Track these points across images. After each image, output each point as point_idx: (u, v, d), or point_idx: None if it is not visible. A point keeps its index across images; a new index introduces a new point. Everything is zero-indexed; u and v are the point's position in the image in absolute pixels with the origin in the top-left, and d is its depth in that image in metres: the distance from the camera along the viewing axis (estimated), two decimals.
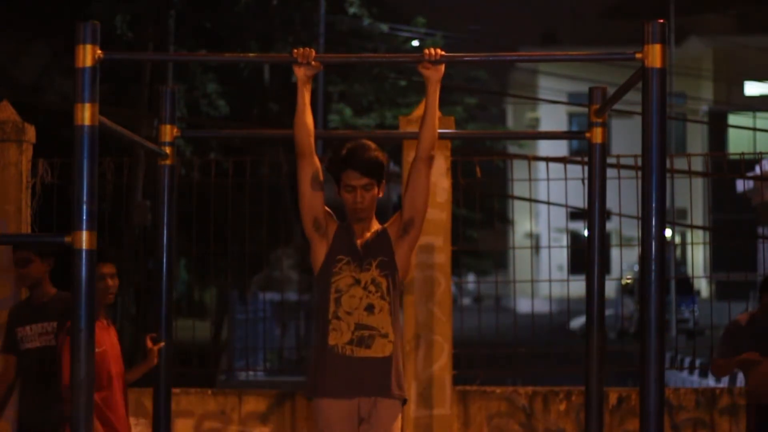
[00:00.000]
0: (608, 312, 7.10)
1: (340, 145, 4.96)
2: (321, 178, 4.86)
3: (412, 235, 4.88)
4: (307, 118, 4.81)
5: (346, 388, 4.79)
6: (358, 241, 4.87)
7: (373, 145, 4.87)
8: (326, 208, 4.91)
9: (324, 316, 4.82)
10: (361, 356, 4.79)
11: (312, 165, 4.84)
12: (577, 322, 28.25)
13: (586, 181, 5.55)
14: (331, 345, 4.79)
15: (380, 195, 4.90)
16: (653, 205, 4.26)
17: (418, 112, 7.34)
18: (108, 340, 5.86)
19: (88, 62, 4.22)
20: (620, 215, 8.57)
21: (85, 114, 4.18)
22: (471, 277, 36.76)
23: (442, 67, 4.75)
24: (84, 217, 4.15)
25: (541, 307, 12.88)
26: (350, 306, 4.80)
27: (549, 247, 8.72)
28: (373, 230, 4.91)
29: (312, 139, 4.83)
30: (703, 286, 32.92)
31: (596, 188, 5.26)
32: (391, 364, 4.81)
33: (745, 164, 8.68)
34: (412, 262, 5.03)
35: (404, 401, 4.89)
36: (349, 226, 4.90)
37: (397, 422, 4.84)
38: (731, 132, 36.67)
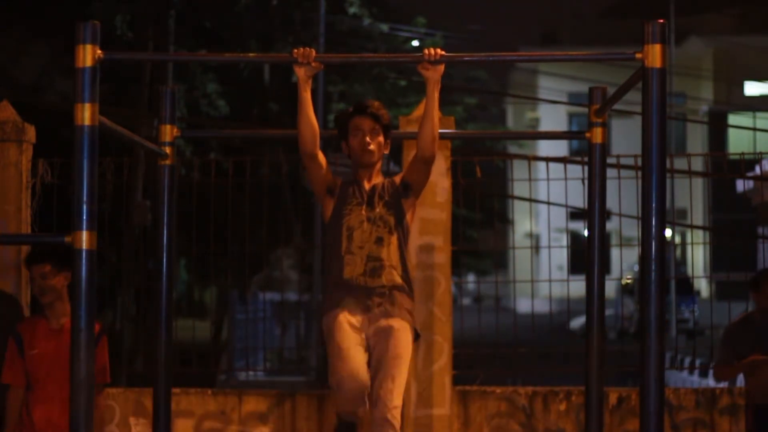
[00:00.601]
0: (608, 312, 7.09)
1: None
2: (327, 167, 5.05)
3: (411, 199, 5.08)
4: (311, 117, 4.91)
5: (360, 309, 4.91)
6: (365, 185, 5.06)
7: (378, 102, 5.14)
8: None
9: (337, 253, 4.99)
10: (373, 285, 4.95)
11: (319, 161, 5.00)
12: (577, 322, 28.25)
13: (586, 181, 5.55)
14: (346, 278, 4.95)
15: (386, 151, 5.10)
16: (653, 205, 4.26)
17: (418, 112, 7.33)
18: (51, 344, 5.90)
19: (88, 62, 4.22)
20: (620, 215, 8.56)
21: (85, 114, 4.18)
22: (471, 277, 36.76)
23: (442, 67, 4.78)
24: (84, 217, 4.15)
25: (541, 307, 12.86)
26: (361, 240, 4.98)
27: (549, 247, 8.72)
28: (378, 178, 5.10)
29: (317, 139, 4.97)
30: (703, 286, 32.92)
31: (596, 188, 5.26)
32: (402, 294, 4.97)
33: (745, 164, 8.68)
34: (412, 230, 5.19)
35: (417, 335, 5.01)
36: (355, 176, 5.09)
37: (409, 346, 4.91)
38: (731, 132, 36.67)
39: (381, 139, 5.06)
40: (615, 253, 25.30)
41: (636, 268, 26.25)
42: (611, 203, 6.19)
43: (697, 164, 11.42)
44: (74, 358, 4.17)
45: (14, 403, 5.97)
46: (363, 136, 5.03)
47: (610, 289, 27.81)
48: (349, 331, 4.86)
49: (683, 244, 36.42)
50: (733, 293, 8.77)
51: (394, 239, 4.99)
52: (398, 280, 4.98)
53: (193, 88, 21.15)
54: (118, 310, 18.10)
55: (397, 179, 5.11)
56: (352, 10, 23.90)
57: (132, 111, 18.07)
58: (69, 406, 5.83)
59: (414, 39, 27.84)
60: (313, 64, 4.69)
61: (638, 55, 4.35)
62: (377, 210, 5.00)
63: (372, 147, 5.03)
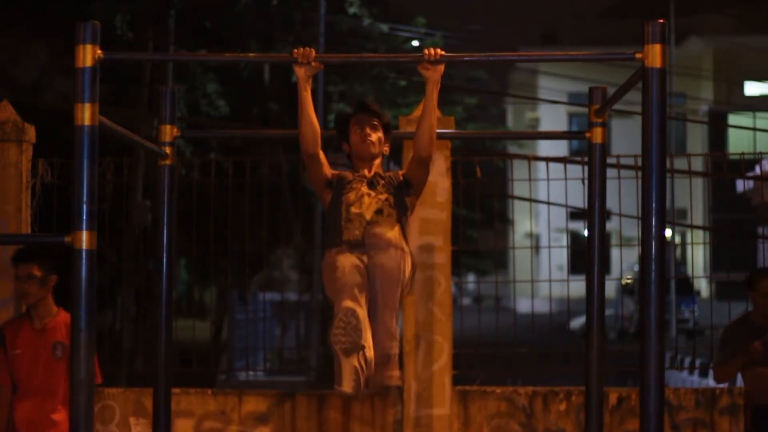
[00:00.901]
0: (608, 312, 7.05)
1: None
2: (327, 165, 5.03)
3: (412, 197, 5.05)
4: (312, 117, 4.91)
5: (359, 256, 4.86)
6: (366, 173, 5.04)
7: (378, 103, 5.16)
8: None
9: (336, 223, 4.95)
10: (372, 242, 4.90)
11: (320, 160, 4.98)
12: (577, 322, 28.25)
13: (586, 181, 5.55)
14: (345, 239, 4.90)
15: (386, 151, 5.09)
16: (653, 205, 4.27)
17: (419, 112, 7.32)
18: (33, 345, 5.92)
19: (88, 62, 4.22)
20: (620, 215, 8.56)
21: (85, 114, 4.18)
22: (471, 277, 36.77)
23: (442, 67, 4.78)
24: (84, 217, 4.15)
25: (541, 307, 12.86)
26: (360, 209, 4.93)
27: (549, 247, 8.71)
28: (379, 170, 5.08)
29: (318, 138, 4.95)
30: (703, 286, 32.92)
31: (596, 188, 5.26)
32: (402, 251, 4.89)
33: (745, 164, 8.67)
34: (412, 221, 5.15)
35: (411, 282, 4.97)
36: (354, 167, 5.08)
37: (407, 265, 4.85)
38: (731, 132, 36.66)
39: (381, 134, 5.06)
40: (615, 253, 25.31)
41: (636, 268, 26.25)
42: (611, 203, 6.19)
43: (697, 164, 11.43)
44: (74, 357, 4.17)
45: (2, 403, 5.99)
46: (363, 129, 5.03)
47: (610, 289, 27.81)
48: (350, 258, 4.83)
49: (683, 244, 36.42)
50: (733, 293, 8.77)
51: (393, 212, 4.94)
52: (399, 242, 4.91)
53: (193, 88, 21.15)
54: (118, 310, 18.10)
55: (400, 173, 5.10)
56: (352, 10, 23.90)
57: (132, 111, 18.07)
58: (49, 405, 5.91)
59: (414, 39, 27.84)
60: (313, 64, 4.69)
61: (638, 55, 4.35)
62: (378, 189, 4.98)
63: (373, 138, 5.02)
